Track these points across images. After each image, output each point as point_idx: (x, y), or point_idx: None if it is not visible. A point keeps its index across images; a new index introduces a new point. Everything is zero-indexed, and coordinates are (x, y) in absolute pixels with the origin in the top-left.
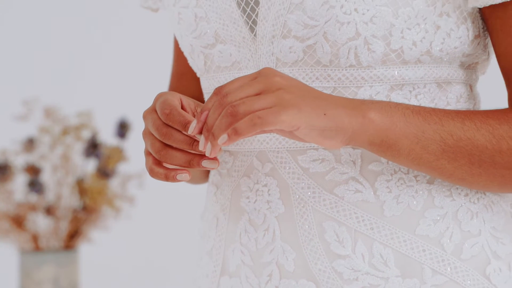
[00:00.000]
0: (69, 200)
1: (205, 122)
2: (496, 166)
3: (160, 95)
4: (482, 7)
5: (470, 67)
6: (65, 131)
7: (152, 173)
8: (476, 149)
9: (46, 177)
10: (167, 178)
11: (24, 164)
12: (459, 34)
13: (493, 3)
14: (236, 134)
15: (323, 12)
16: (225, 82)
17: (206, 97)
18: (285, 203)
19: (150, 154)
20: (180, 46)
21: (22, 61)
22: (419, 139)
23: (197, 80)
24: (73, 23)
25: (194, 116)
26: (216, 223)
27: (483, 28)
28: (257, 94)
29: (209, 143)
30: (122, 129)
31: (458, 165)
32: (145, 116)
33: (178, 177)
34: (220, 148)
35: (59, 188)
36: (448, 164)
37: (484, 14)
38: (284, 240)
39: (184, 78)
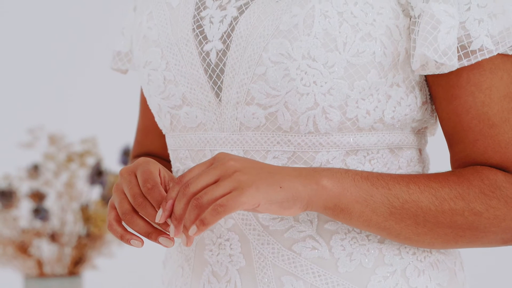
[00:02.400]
0: (74, 226)
1: (171, 211)
2: (440, 225)
3: (143, 162)
4: (427, 74)
5: (420, 132)
6: (70, 158)
7: (110, 228)
8: (420, 210)
9: (51, 204)
10: (121, 238)
11: (28, 190)
12: (409, 102)
13: (436, 73)
14: (203, 224)
15: (284, 84)
16: (190, 142)
17: (170, 153)
18: (246, 257)
19: (115, 209)
20: (148, 104)
21: (27, 90)
22: (368, 202)
23: (162, 136)
24: (77, 51)
25: (166, 189)
26: (182, 273)
27: (429, 94)
28: (216, 180)
29: (184, 236)
30: (127, 156)
31: (404, 225)
32: (123, 174)
33: (132, 242)
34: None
35: (64, 215)
36: (396, 225)
37: (428, 81)
38: None
39: (150, 134)
